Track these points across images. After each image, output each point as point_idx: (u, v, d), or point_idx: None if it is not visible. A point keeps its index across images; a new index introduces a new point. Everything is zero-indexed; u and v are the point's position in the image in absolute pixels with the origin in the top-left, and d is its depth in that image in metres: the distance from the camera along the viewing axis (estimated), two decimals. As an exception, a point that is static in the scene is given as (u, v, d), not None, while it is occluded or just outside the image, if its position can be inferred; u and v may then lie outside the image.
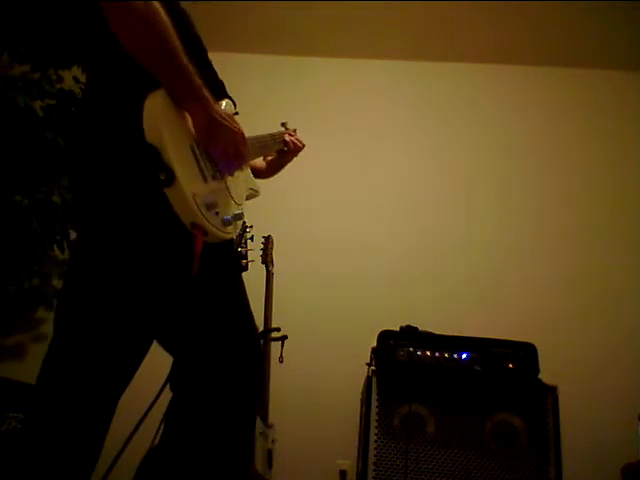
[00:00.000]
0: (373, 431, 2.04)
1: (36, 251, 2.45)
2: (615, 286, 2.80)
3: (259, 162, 1.63)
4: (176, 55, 1.02)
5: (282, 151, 1.65)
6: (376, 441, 2.03)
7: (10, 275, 2.40)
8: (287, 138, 1.65)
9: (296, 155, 1.69)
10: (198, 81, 1.05)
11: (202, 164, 1.07)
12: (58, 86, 2.71)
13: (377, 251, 2.91)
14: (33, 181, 2.46)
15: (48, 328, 2.67)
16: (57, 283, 2.59)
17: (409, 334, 2.18)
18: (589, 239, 2.90)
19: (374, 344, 2.18)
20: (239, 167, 1.20)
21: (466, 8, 2.99)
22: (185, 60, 1.03)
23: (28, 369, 2.54)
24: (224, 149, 1.12)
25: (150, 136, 0.98)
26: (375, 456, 2.01)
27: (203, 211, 1.02)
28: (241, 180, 1.25)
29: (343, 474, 2.54)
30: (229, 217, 1.09)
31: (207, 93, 1.07)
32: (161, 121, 1.00)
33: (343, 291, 2.82)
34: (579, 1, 2.90)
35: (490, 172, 3.03)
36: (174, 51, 1.01)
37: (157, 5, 1.00)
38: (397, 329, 2.20)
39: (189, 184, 1.00)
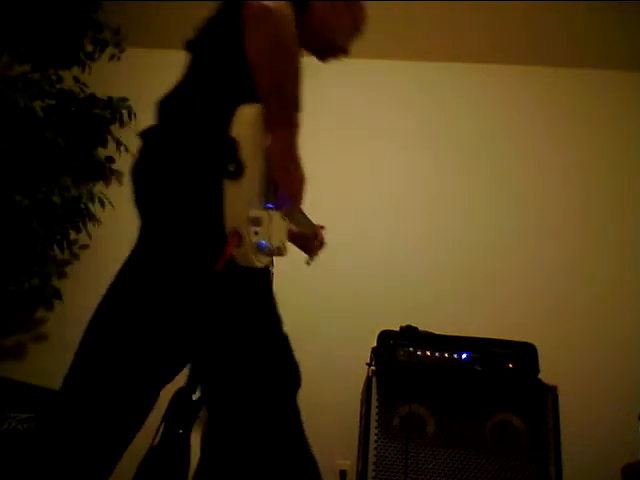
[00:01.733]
0: (373, 431, 2.04)
1: (36, 251, 2.45)
2: (615, 286, 2.79)
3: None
4: (294, 75, 1.07)
5: (304, 237, 1.65)
6: (376, 441, 2.03)
7: (10, 275, 2.40)
8: (320, 233, 1.66)
9: (314, 252, 1.68)
10: (296, 110, 1.08)
11: (264, 186, 1.08)
12: (58, 86, 2.72)
13: (377, 251, 2.91)
14: (33, 181, 2.46)
15: (48, 328, 2.68)
16: (57, 283, 2.59)
17: (409, 334, 2.18)
18: (589, 239, 2.90)
19: (374, 344, 2.18)
20: (290, 209, 1.21)
21: (466, 8, 2.98)
22: (296, 85, 1.07)
23: (28, 369, 2.55)
24: (290, 182, 1.12)
25: (235, 132, 1.01)
26: (375, 456, 2.01)
27: (248, 221, 1.03)
28: (282, 228, 1.23)
29: (343, 474, 2.54)
30: (265, 243, 1.07)
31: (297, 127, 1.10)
32: (250, 126, 1.02)
33: (343, 291, 2.82)
34: (579, 1, 2.90)
35: (490, 172, 3.03)
36: (294, 70, 1.06)
37: (291, 16, 1.03)
38: (397, 329, 2.20)
39: (249, 189, 1.02)
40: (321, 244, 1.68)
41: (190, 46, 1.23)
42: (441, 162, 3.07)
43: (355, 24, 1.46)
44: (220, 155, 1.01)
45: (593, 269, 2.83)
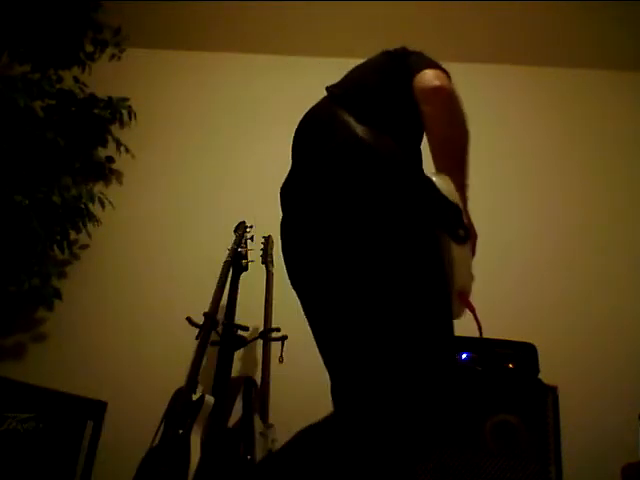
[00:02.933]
0: (373, 431, 2.03)
1: (36, 251, 2.45)
2: (616, 286, 2.79)
3: None
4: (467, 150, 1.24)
5: None
6: (376, 441, 2.02)
7: (10, 275, 2.40)
8: None
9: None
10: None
11: None
12: (58, 86, 2.72)
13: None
14: (33, 181, 2.46)
15: (48, 328, 2.67)
16: (57, 283, 2.59)
17: (409, 334, 2.18)
18: (589, 238, 2.89)
19: (374, 344, 2.17)
20: None
21: (466, 8, 2.99)
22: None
23: (28, 369, 2.55)
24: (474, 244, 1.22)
25: (454, 197, 1.11)
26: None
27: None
28: None
29: (343, 474, 2.53)
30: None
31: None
32: (456, 196, 1.13)
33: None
34: (578, 1, 2.90)
35: (489, 172, 3.02)
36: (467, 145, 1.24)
37: None
38: (397, 329, 2.20)
39: (471, 253, 1.12)
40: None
41: (339, 93, 1.35)
42: (441, 162, 3.06)
43: None
44: (451, 220, 1.08)
45: (593, 269, 2.83)
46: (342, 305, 1.11)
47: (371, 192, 1.10)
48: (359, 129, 1.18)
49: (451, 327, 1.12)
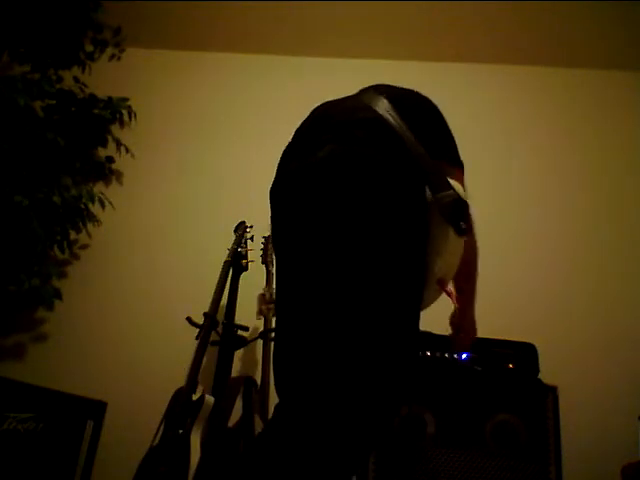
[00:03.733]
0: (373, 431, 2.03)
1: (36, 251, 2.45)
2: (616, 285, 2.79)
3: None
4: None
5: None
6: (376, 441, 2.02)
7: (10, 275, 2.40)
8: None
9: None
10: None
11: None
12: (58, 86, 2.72)
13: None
14: (33, 181, 2.46)
15: (48, 328, 2.68)
16: (57, 283, 2.59)
17: (409, 334, 2.18)
18: (589, 237, 2.90)
19: (374, 344, 2.17)
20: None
21: (466, 8, 2.98)
22: None
23: (28, 369, 2.55)
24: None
25: (463, 195, 1.15)
26: (375, 456, 2.01)
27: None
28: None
29: (343, 474, 2.53)
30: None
31: None
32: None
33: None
34: (578, 1, 2.90)
35: (489, 171, 3.02)
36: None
37: None
38: (397, 329, 2.20)
39: (462, 249, 1.16)
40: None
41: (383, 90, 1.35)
42: (441, 162, 3.06)
43: None
44: (456, 211, 1.11)
45: (594, 268, 2.83)
46: (316, 264, 1.12)
47: (383, 167, 1.13)
48: (388, 107, 1.23)
49: (417, 313, 1.17)
